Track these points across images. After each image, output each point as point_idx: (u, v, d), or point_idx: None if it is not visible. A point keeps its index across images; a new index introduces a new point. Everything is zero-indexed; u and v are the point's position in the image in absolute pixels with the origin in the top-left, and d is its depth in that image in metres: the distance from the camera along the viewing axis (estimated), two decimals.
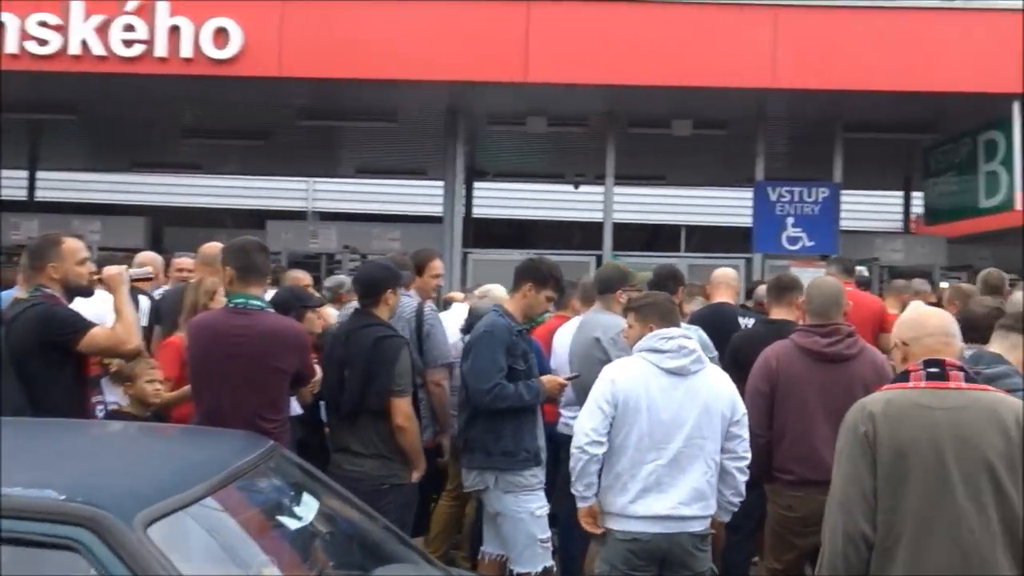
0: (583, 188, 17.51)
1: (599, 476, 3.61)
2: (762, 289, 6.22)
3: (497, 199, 18.30)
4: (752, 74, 9.43)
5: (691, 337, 3.64)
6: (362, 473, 3.92)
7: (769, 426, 3.92)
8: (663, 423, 3.50)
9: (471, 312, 5.30)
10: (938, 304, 7.74)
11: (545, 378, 4.21)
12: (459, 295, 6.60)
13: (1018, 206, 9.61)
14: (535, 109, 10.79)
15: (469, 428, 4.15)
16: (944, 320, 2.80)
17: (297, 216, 18.99)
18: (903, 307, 6.91)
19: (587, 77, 9.48)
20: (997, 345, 3.07)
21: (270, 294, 4.51)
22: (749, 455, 3.63)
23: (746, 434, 3.63)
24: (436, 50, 9.29)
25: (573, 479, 3.65)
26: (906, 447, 2.51)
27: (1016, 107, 9.40)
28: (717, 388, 3.62)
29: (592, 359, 4.40)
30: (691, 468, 3.49)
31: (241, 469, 2.47)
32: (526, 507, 4.04)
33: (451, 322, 5.75)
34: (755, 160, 11.11)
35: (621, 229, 11.45)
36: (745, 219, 21.98)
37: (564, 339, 4.80)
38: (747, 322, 5.24)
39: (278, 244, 11.30)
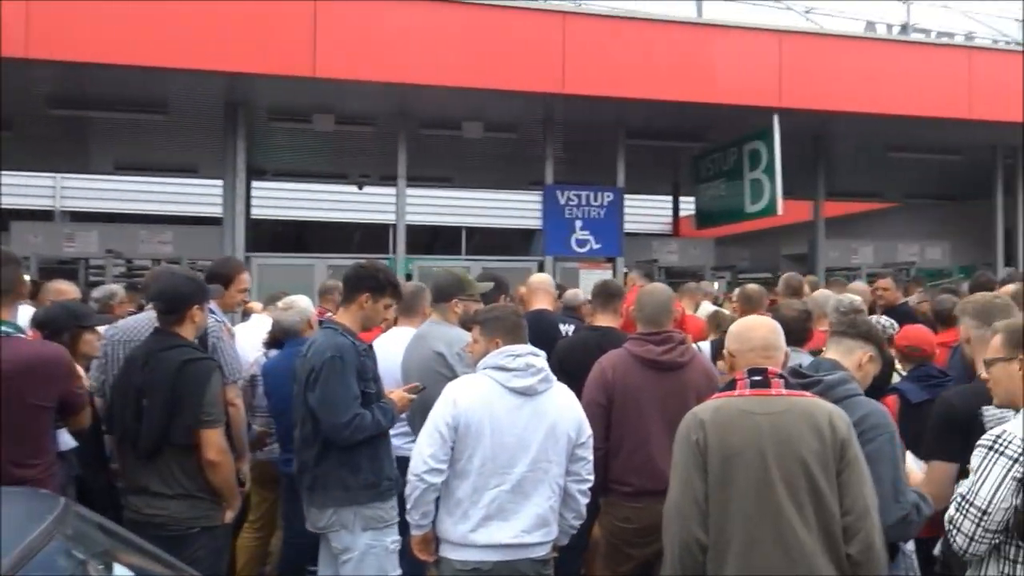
0: (365, 189, 17.09)
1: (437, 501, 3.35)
2: (571, 293, 6.22)
3: (274, 199, 17.41)
4: (542, 79, 9.53)
5: (539, 354, 3.42)
6: (167, 517, 3.39)
7: (606, 437, 3.84)
8: (507, 447, 3.28)
9: (276, 325, 4.84)
10: (720, 304, 8.26)
11: (394, 395, 3.83)
12: (258, 305, 6.04)
13: (780, 211, 10.43)
14: (322, 106, 10.28)
15: (320, 464, 3.67)
16: (768, 332, 2.91)
17: (43, 216, 17.02)
18: (696, 307, 7.28)
19: (378, 74, 9.13)
20: (833, 351, 3.16)
21: (25, 313, 3.82)
22: (593, 477, 3.50)
23: (591, 455, 3.47)
24: (214, 38, 8.56)
25: (409, 507, 3.37)
26: (733, 452, 2.63)
27: (776, 120, 10.20)
28: (564, 409, 3.42)
29: (434, 375, 4.11)
30: (535, 493, 3.30)
31: (30, 549, 1.91)
32: (382, 543, 3.67)
33: (250, 335, 5.24)
34: (544, 164, 11.25)
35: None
36: (527, 221, 22.74)
37: (387, 350, 4.39)
38: (567, 329, 5.17)
39: (25, 248, 9.99)
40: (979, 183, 13.52)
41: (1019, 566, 2.54)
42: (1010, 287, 5.15)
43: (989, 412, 3.16)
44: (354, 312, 3.80)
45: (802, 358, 4.26)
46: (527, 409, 3.32)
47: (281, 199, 18.19)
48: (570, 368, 4.35)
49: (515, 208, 21.72)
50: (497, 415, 3.29)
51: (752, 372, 2.75)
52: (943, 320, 5.65)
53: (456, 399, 3.33)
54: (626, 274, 7.94)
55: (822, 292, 6.00)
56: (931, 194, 17.24)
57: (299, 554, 4.51)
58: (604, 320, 4.55)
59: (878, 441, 2.76)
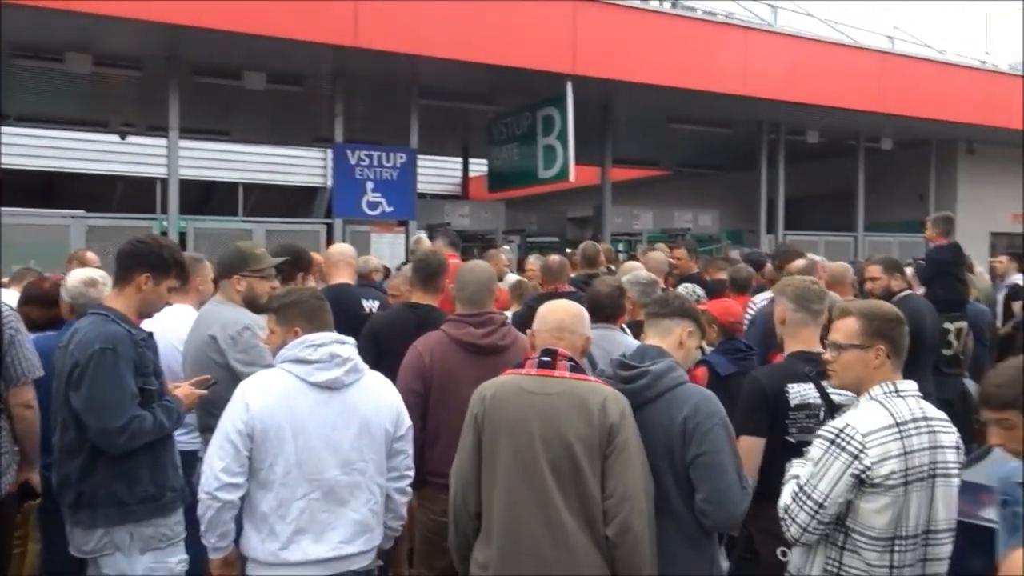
0: (129, 139, 15.52)
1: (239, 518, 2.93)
2: (362, 260, 5.81)
3: (20, 147, 15.34)
4: (332, 30, 8.92)
5: (346, 342, 3.01)
6: None
7: (422, 427, 3.54)
8: (314, 450, 2.88)
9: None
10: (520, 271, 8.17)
11: (180, 391, 3.27)
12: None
13: (572, 177, 10.55)
14: (77, 44, 9.03)
15: (86, 478, 3.06)
16: (564, 315, 2.94)
17: None
18: (500, 277, 7.11)
19: (142, 11, 8.08)
20: (652, 335, 3.03)
21: None
22: (412, 471, 3.20)
23: (411, 448, 3.16)
24: None
25: (203, 529, 2.91)
26: (504, 429, 2.73)
27: (569, 86, 10.25)
28: (378, 400, 3.03)
29: (208, 362, 3.59)
30: (352, 499, 2.94)
31: None
32: (164, 564, 3.14)
33: None
34: (332, 120, 10.63)
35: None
36: (310, 179, 21.78)
37: (159, 334, 3.75)
38: (371, 305, 4.78)
39: None
40: (746, 155, 14.50)
41: (845, 552, 2.57)
42: (800, 262, 5.38)
43: (794, 389, 3.28)
44: (130, 295, 3.21)
45: (616, 336, 4.22)
46: (334, 405, 2.92)
47: (29, 147, 16.08)
48: (383, 345, 4.02)
49: (297, 165, 20.70)
50: (299, 415, 2.87)
51: (543, 352, 2.81)
52: (738, 287, 5.88)
53: (248, 401, 2.87)
54: (417, 239, 7.60)
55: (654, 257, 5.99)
56: (703, 164, 18.33)
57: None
58: (422, 298, 4.18)
59: (715, 431, 2.70)
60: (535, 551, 2.64)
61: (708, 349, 4.37)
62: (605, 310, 4.22)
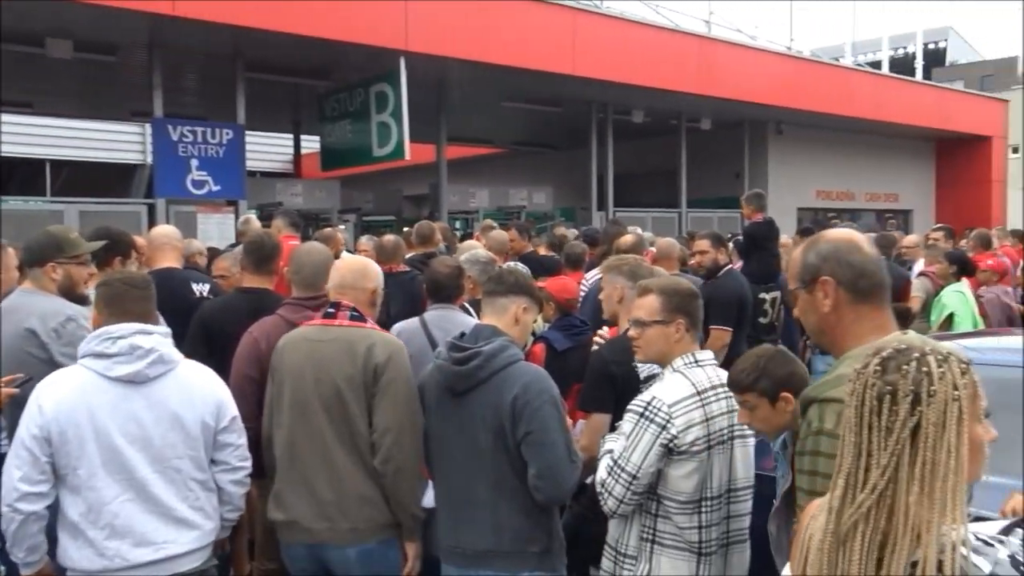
0: None
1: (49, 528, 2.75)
2: (196, 243, 5.55)
3: None
4: None
5: (150, 332, 2.79)
6: None
7: (258, 416, 3.43)
8: (119, 449, 2.70)
9: None
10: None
11: None
12: None
13: (407, 155, 10.48)
14: None
15: None
16: (347, 272, 3.23)
17: None
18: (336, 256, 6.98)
19: None
20: (489, 314, 3.04)
21: None
22: (247, 461, 3.02)
23: (240, 439, 2.99)
24: None
25: (9, 543, 2.72)
26: (287, 374, 3.06)
27: (402, 62, 10.15)
28: (192, 392, 2.85)
29: (27, 359, 3.30)
30: (170, 498, 2.78)
31: None
32: None
33: None
34: (151, 93, 10.01)
35: None
36: (126, 155, 20.43)
37: None
38: (201, 288, 4.56)
39: None
40: (577, 134, 14.91)
41: (658, 519, 2.71)
42: (628, 238, 5.61)
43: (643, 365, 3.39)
44: None
45: (455, 315, 4.23)
46: (138, 400, 2.74)
47: None
48: (215, 334, 3.85)
49: (112, 141, 19.35)
50: (99, 414, 2.69)
51: (330, 305, 3.13)
52: (573, 264, 6.06)
53: (41, 404, 2.67)
54: (246, 220, 7.29)
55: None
56: (537, 142, 18.69)
57: None
58: (255, 281, 3.99)
59: (544, 408, 2.75)
60: (310, 483, 2.97)
61: (545, 325, 4.49)
62: (444, 290, 4.22)
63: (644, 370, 3.22)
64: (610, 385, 3.36)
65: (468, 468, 2.85)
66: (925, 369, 1.30)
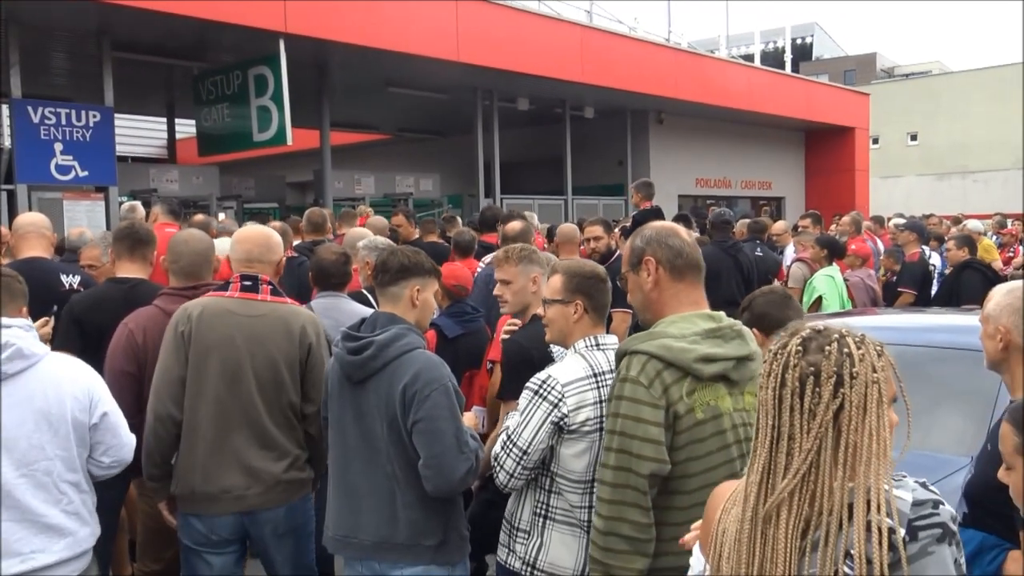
0: None
1: None
2: (75, 232, 5.25)
3: None
4: None
5: (9, 326, 2.61)
6: None
7: (139, 411, 3.26)
8: None
9: None
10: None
11: None
12: None
13: (290, 141, 10.19)
14: None
15: None
16: (252, 245, 3.29)
17: None
18: None
19: None
20: (386, 304, 2.98)
21: None
22: (120, 465, 2.85)
23: (115, 439, 2.80)
24: None
25: None
26: (213, 344, 3.08)
27: (282, 44, 9.85)
28: (59, 387, 2.67)
29: None
30: (38, 502, 2.62)
31: None
32: None
33: None
34: (9, 72, 9.35)
35: None
36: None
37: None
38: (72, 280, 4.28)
39: None
40: (463, 121, 14.86)
41: (552, 495, 2.74)
42: (516, 224, 5.63)
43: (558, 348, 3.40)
44: None
45: (343, 304, 4.15)
46: (1, 399, 2.58)
47: None
48: (88, 327, 3.64)
49: None
50: None
51: (244, 278, 3.19)
52: (462, 251, 6.06)
53: None
54: (132, 207, 6.95)
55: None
56: (422, 128, 18.53)
57: None
58: (129, 270, 3.77)
59: (433, 397, 2.71)
60: (241, 454, 3.07)
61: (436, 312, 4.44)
62: (332, 278, 4.14)
63: (558, 353, 3.22)
64: (530, 370, 3.33)
65: (364, 457, 2.80)
66: (846, 351, 1.28)
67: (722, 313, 2.27)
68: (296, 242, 6.13)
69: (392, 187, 14.40)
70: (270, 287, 3.20)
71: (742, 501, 1.31)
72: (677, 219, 9.67)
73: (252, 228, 3.51)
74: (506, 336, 3.69)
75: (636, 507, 2.08)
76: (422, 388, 2.71)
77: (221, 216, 9.39)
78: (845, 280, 7.24)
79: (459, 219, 9.01)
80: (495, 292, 3.69)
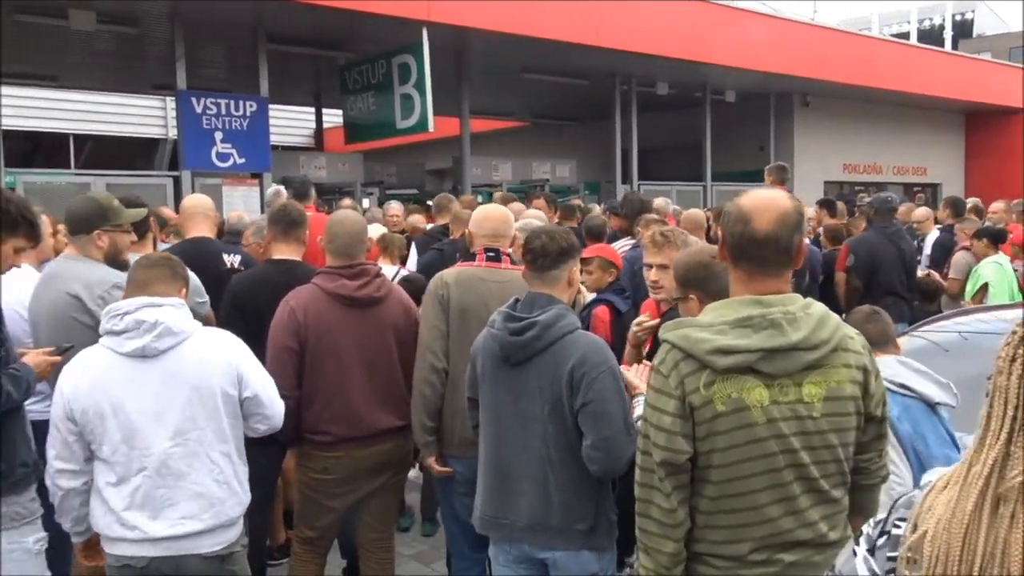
0: None
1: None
2: (235, 216, 5.54)
3: None
4: None
5: (159, 305, 2.76)
6: None
7: (298, 385, 3.41)
8: (137, 424, 2.70)
9: None
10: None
11: (29, 357, 2.97)
12: None
13: (432, 128, 10.40)
14: None
15: None
16: (497, 223, 3.65)
17: None
18: None
19: None
20: (542, 286, 2.98)
21: None
22: (274, 426, 2.99)
23: (271, 410, 2.94)
24: None
25: (57, 514, 2.85)
26: (468, 306, 3.40)
27: (425, 33, 10.04)
28: (207, 362, 2.79)
29: (72, 325, 3.30)
30: (191, 471, 2.74)
31: None
32: (21, 543, 2.89)
33: None
34: (173, 65, 9.98)
35: None
36: (149, 129, 20.47)
37: (4, 295, 3.42)
38: (232, 259, 4.54)
39: None
40: (601, 106, 14.74)
41: None
42: (659, 200, 5.53)
43: None
44: None
45: None
46: (154, 374, 2.73)
47: None
48: (247, 306, 3.83)
49: (135, 115, 19.38)
50: (115, 390, 2.70)
51: (488, 250, 3.55)
52: (594, 235, 6.02)
53: (62, 385, 2.73)
54: (276, 192, 7.29)
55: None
56: (559, 115, 18.53)
57: None
58: (283, 251, 3.95)
59: (601, 379, 2.71)
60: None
61: (589, 296, 4.41)
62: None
63: None
64: None
65: (519, 439, 2.81)
66: None
67: (774, 297, 2.06)
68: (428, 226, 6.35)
69: (529, 173, 14.47)
70: (509, 257, 3.56)
71: (960, 484, 1.19)
72: (821, 204, 9.28)
73: (494, 208, 3.91)
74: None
75: (659, 492, 2.07)
76: (590, 370, 2.70)
77: (365, 202, 9.70)
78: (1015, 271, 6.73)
79: (596, 206, 8.96)
80: (652, 277, 3.58)
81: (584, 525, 2.79)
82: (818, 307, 2.10)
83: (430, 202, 8.45)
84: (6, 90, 12.07)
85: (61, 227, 4.34)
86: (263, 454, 3.53)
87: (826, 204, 9.19)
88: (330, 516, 3.63)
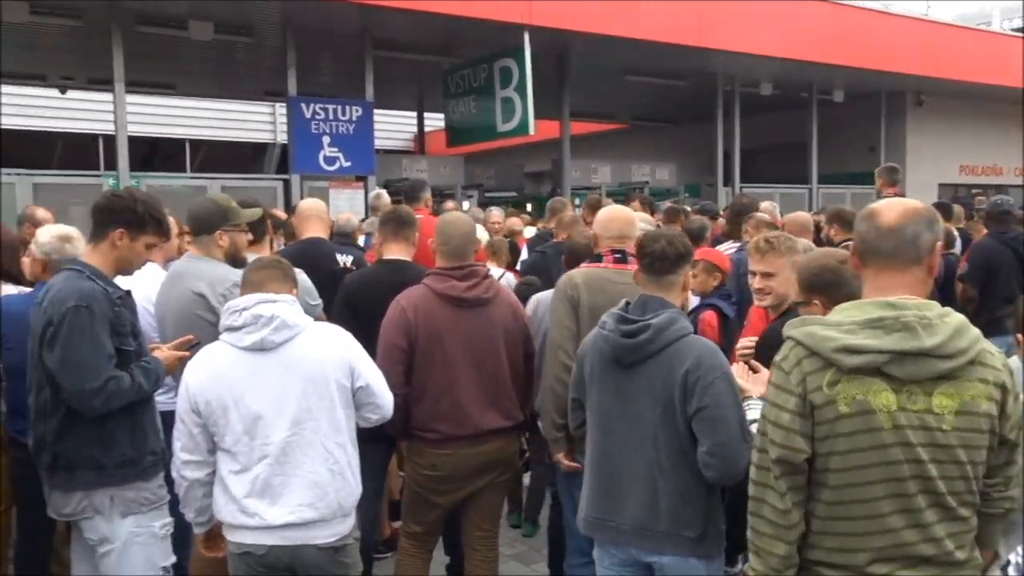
0: (70, 94, 14.93)
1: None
2: (344, 218, 5.70)
3: None
4: None
5: (275, 300, 2.85)
6: None
7: (407, 382, 3.49)
8: (257, 415, 2.80)
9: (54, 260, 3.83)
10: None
11: (160, 352, 3.16)
12: None
13: (533, 131, 10.44)
14: None
15: (62, 439, 2.98)
16: (623, 224, 3.71)
17: None
18: None
19: None
20: (653, 288, 2.96)
21: None
22: (384, 416, 3.07)
23: (382, 400, 3.03)
24: None
25: (181, 504, 2.98)
26: (598, 307, 3.30)
27: (526, 36, 10.10)
28: (321, 354, 2.89)
29: (196, 321, 3.47)
30: (306, 460, 2.83)
31: None
32: (148, 528, 3.06)
33: None
34: (284, 73, 10.33)
35: (112, 142, 9.80)
36: (257, 135, 21.26)
37: (142, 291, 3.64)
38: (345, 259, 4.68)
39: None
40: (702, 108, 14.51)
41: None
42: (766, 204, 5.40)
43: None
44: (106, 251, 3.08)
45: None
46: (272, 366, 2.83)
47: None
48: (359, 305, 3.93)
49: (245, 120, 20.16)
50: (235, 383, 2.81)
51: (615, 251, 3.61)
52: (695, 238, 5.92)
53: (187, 381, 2.86)
54: (377, 195, 7.49)
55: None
56: (658, 117, 18.33)
57: (37, 547, 3.77)
58: (394, 251, 4.04)
59: (716, 384, 2.67)
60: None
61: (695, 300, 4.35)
62: (582, 261, 4.20)
63: None
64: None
65: (629, 442, 2.79)
66: None
67: (909, 301, 1.97)
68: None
69: (628, 176, 14.37)
70: (634, 259, 3.53)
71: None
72: (937, 207, 8.85)
73: (619, 209, 4.04)
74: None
75: (773, 491, 2.01)
76: (705, 374, 2.67)
77: (466, 204, 9.82)
78: None
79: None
80: (756, 285, 3.54)
81: (693, 532, 2.75)
82: (957, 316, 2.00)
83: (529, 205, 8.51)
84: (131, 98, 12.74)
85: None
86: (373, 450, 3.63)
87: (940, 207, 8.78)
88: (436, 512, 3.68)
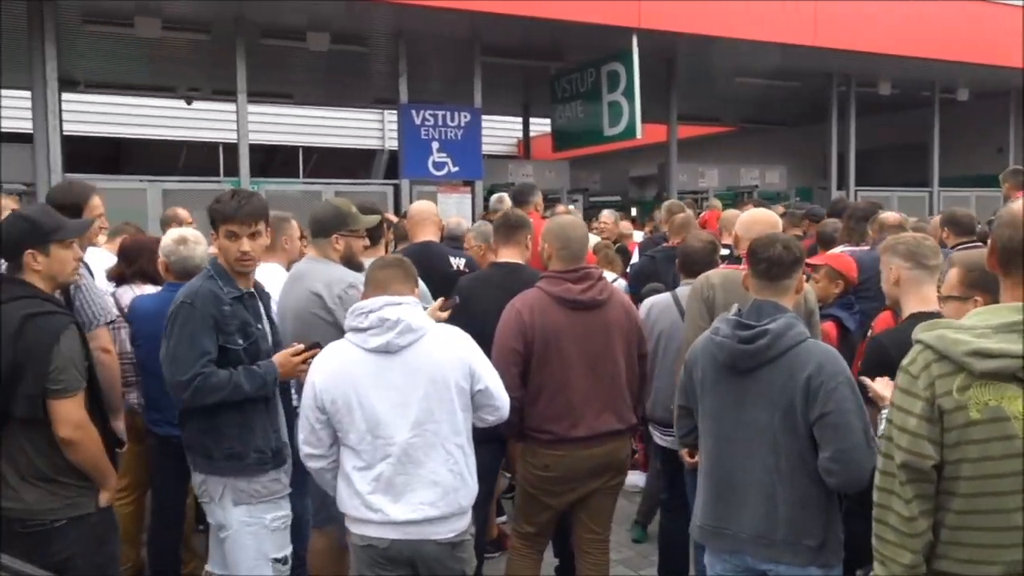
0: (194, 104, 15.71)
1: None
2: (454, 222, 5.81)
3: (89, 114, 15.62)
4: None
5: (399, 303, 2.93)
6: (23, 510, 2.79)
7: (522, 384, 3.53)
8: (381, 416, 2.89)
9: (181, 263, 4.09)
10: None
11: (279, 356, 3.30)
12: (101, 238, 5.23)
13: (640, 135, 10.36)
14: (146, 8, 9.11)
15: (185, 425, 3.23)
16: (765, 226, 3.69)
17: None
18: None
19: None
20: (768, 293, 2.91)
21: None
22: (501, 417, 3.13)
23: (500, 401, 3.08)
24: None
25: (320, 485, 3.16)
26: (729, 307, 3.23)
27: (635, 40, 10.03)
28: (443, 357, 2.96)
29: (311, 319, 3.62)
30: (428, 460, 2.91)
31: None
32: (259, 519, 3.21)
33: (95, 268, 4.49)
34: (395, 80, 10.58)
35: (233, 150, 10.24)
36: (366, 141, 21.85)
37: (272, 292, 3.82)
38: (458, 262, 4.77)
39: None
40: (813, 109, 14.08)
41: None
42: (893, 216, 5.21)
43: None
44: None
45: None
46: (395, 368, 2.90)
47: (96, 113, 16.39)
48: (473, 307, 3.99)
49: (355, 128, 20.77)
50: (361, 383, 2.90)
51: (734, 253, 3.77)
52: (825, 242, 5.76)
53: (314, 379, 2.97)
54: (500, 198, 7.63)
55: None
56: (767, 119, 17.89)
57: (168, 531, 4.00)
58: (508, 255, 4.10)
59: (840, 389, 2.62)
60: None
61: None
62: (699, 265, 4.16)
63: None
64: (888, 374, 3.12)
65: (745, 448, 2.75)
66: None
67: None
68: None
69: (736, 180, 14.07)
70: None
71: None
72: None
73: (762, 212, 4.11)
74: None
75: (898, 498, 1.94)
76: (827, 380, 2.62)
77: (571, 208, 9.82)
78: None
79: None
80: None
81: (813, 541, 2.69)
82: None
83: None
84: (253, 107, 13.32)
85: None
86: (487, 452, 3.67)
87: None
88: (548, 513, 3.71)
